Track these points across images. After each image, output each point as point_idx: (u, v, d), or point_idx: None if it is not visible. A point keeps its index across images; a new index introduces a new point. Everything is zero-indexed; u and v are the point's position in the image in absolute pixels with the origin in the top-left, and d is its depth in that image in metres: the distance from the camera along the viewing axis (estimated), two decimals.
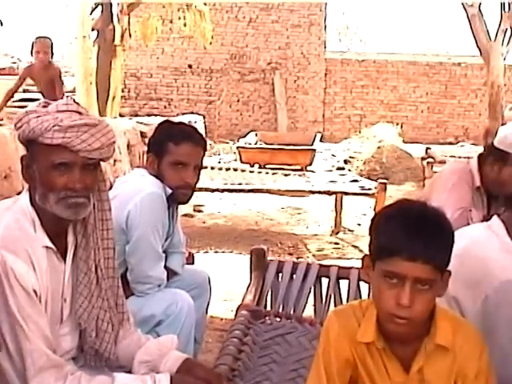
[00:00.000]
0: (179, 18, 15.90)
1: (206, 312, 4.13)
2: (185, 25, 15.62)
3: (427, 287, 2.17)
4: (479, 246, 2.69)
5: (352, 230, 9.44)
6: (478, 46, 17.55)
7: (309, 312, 3.90)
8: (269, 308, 3.79)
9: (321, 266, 4.07)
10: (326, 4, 21.46)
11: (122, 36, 14.49)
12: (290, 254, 7.92)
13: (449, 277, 2.26)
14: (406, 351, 2.30)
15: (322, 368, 2.33)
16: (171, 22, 18.73)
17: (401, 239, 2.15)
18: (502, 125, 9.29)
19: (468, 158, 4.86)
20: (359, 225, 9.71)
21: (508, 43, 17.43)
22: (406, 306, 2.15)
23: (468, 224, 3.67)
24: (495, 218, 2.95)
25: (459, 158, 10.73)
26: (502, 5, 17.71)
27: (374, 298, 2.28)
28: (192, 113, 17.46)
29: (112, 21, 14.35)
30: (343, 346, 2.33)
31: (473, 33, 17.48)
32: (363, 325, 2.32)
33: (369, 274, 2.28)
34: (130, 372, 2.67)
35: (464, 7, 17.69)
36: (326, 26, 21.54)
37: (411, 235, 2.15)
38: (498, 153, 4.12)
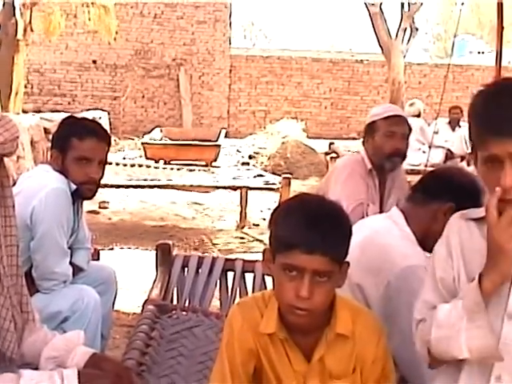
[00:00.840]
0: (83, 13, 15.72)
1: (113, 308, 4.13)
2: (89, 20, 15.44)
3: (326, 279, 2.22)
4: (380, 235, 2.78)
5: (257, 225, 9.52)
6: (379, 44, 17.91)
7: (215, 305, 3.95)
8: (175, 302, 3.81)
9: (226, 259, 4.12)
10: (230, 1, 21.52)
11: (25, 30, 14.23)
12: (196, 249, 7.94)
13: (347, 268, 2.32)
14: (307, 341, 2.35)
15: (225, 360, 2.36)
16: (75, 16, 18.50)
17: (299, 233, 2.19)
18: None
19: None
20: (264, 219, 9.79)
21: (408, 41, 17.84)
22: (305, 297, 2.19)
23: (363, 217, 3.81)
24: (394, 208, 3.08)
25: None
26: (402, 4, 18.09)
27: (275, 290, 2.32)
28: (96, 109, 17.26)
29: (14, 15, 14.07)
30: (247, 337, 2.36)
31: (375, 31, 17.83)
32: (266, 316, 2.36)
33: (270, 267, 2.32)
34: (36, 369, 2.65)
35: (366, 6, 18.02)
36: (231, 23, 21.60)
37: (309, 229, 2.19)
38: (368, 127, 4.47)
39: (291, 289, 2.21)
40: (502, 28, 6.39)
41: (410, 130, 4.44)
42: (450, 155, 11.47)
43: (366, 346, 2.34)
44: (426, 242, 2.98)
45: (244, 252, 7.80)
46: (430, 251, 3.07)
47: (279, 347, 2.36)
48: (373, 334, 2.36)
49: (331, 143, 12.74)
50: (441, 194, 2.99)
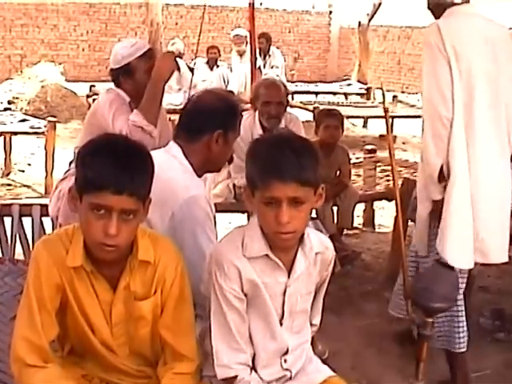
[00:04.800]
0: None
1: None
2: None
3: (132, 216, 2.37)
4: (163, 169, 2.92)
5: (23, 171, 9.41)
6: None
7: None
8: None
9: (2, 205, 4.13)
10: None
11: None
12: None
13: (149, 204, 2.49)
14: (113, 271, 2.50)
15: (32, 295, 2.43)
16: None
17: (108, 174, 2.30)
18: None
19: None
20: (29, 165, 9.70)
21: None
22: (113, 235, 2.33)
23: None
24: (172, 142, 3.27)
25: None
26: None
27: (83, 228, 2.42)
28: None
29: None
30: (53, 272, 2.45)
31: None
32: (71, 251, 2.46)
33: (76, 205, 2.41)
34: None
35: None
36: None
37: (118, 170, 2.31)
38: (122, 69, 4.43)
39: (99, 227, 2.33)
40: None
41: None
42: None
43: (166, 269, 2.54)
44: (208, 169, 3.30)
45: (13, 199, 7.68)
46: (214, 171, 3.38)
47: (85, 280, 2.48)
48: (172, 258, 2.57)
49: (92, 86, 12.71)
50: (205, 127, 3.21)
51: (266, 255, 2.48)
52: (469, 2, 4.08)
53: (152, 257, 2.52)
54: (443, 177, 3.87)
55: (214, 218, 3.11)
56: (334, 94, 15.82)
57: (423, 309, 3.40)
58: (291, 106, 11.91)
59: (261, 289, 2.51)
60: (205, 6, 13.40)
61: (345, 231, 6.46)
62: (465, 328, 4.08)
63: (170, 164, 3.15)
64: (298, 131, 5.56)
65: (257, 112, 5.56)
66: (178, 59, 11.74)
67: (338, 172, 6.15)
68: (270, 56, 12.37)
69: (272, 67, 12.25)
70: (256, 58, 7.11)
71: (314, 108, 11.03)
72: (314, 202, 2.44)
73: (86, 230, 2.39)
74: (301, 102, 12.87)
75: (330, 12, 25.05)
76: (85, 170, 2.36)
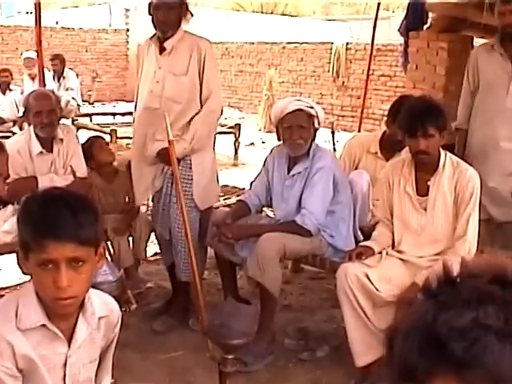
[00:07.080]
0: None
1: None
2: None
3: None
4: None
5: None
6: None
7: None
8: None
9: None
10: None
11: None
12: None
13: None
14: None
15: None
16: None
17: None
18: None
19: None
20: None
21: None
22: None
23: None
24: None
25: None
26: None
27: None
28: None
29: None
30: None
31: None
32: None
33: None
34: None
35: None
36: None
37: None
38: None
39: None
40: None
41: None
42: (1, 121, 11.32)
43: None
44: None
45: None
46: None
47: None
48: None
49: None
50: None
51: (44, 325, 2.29)
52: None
53: None
54: None
55: None
56: (131, 113, 15.51)
57: (222, 346, 3.33)
58: (88, 129, 11.72)
59: (37, 364, 2.31)
60: None
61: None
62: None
63: None
64: (72, 141, 5.59)
65: (32, 126, 5.42)
66: None
67: (127, 198, 5.83)
68: (64, 78, 12.05)
69: (67, 89, 11.94)
70: (44, 80, 6.88)
71: (111, 130, 10.80)
72: (95, 263, 2.30)
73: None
74: (97, 125, 12.54)
75: (128, 30, 24.92)
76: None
